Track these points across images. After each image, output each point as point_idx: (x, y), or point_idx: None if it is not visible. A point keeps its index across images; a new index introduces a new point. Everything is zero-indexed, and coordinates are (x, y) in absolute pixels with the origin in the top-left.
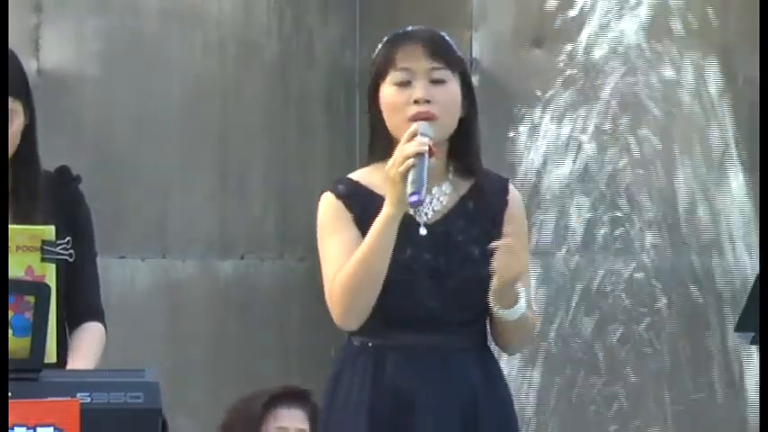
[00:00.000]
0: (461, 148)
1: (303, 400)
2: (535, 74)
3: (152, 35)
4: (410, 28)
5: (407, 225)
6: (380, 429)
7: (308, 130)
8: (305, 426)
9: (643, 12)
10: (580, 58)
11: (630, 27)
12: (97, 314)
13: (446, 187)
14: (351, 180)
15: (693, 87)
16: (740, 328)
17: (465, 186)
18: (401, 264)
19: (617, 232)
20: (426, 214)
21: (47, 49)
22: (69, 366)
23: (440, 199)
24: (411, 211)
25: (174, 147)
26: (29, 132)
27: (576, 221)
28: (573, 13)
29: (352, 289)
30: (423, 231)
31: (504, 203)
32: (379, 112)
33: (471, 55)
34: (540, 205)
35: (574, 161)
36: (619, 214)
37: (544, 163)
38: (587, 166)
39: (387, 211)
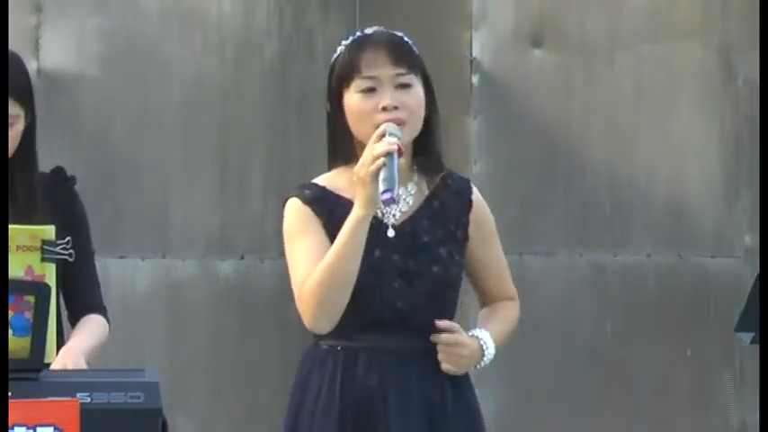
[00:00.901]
0: (425, 147)
1: None
2: (535, 74)
3: (152, 35)
4: (369, 31)
5: (375, 227)
6: (350, 431)
7: (308, 130)
8: None
9: (643, 12)
10: (580, 58)
11: (631, 27)
12: (98, 309)
13: (411, 188)
14: (316, 185)
15: (694, 87)
16: (740, 328)
17: (429, 186)
18: (370, 265)
19: (616, 229)
20: (394, 215)
21: (47, 49)
22: (69, 343)
23: (406, 200)
24: (379, 213)
25: (174, 147)
26: (28, 135)
27: (575, 217)
28: (572, 12)
29: (323, 292)
30: (390, 233)
31: (469, 203)
32: (343, 117)
33: (471, 55)
34: None
35: (573, 159)
36: (619, 212)
37: (543, 161)
38: (587, 164)
39: (357, 212)
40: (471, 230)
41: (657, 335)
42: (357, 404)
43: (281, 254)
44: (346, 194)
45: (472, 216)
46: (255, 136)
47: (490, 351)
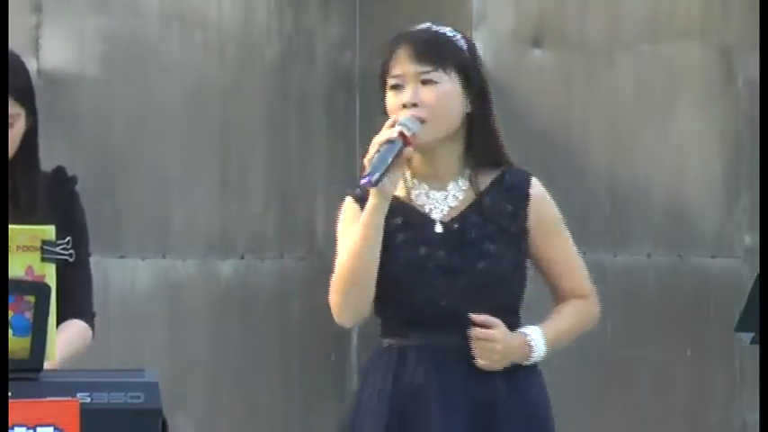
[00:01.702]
0: (475, 144)
1: None
2: (535, 74)
3: (152, 35)
4: (411, 29)
5: (422, 223)
6: (396, 429)
7: (308, 130)
8: None
9: (643, 12)
10: (580, 58)
11: (631, 27)
12: (83, 315)
13: (462, 183)
14: None
15: (694, 87)
16: (740, 328)
17: (485, 182)
18: (415, 263)
19: (616, 229)
20: (442, 211)
21: (47, 49)
22: None
23: (455, 195)
24: (427, 209)
25: (174, 147)
26: (30, 137)
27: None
28: (572, 12)
29: (341, 286)
30: (438, 229)
31: (525, 198)
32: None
33: None
34: None
35: (573, 159)
36: (619, 212)
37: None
38: (587, 164)
39: (370, 201)
40: (530, 226)
41: (657, 335)
42: (404, 403)
43: (281, 254)
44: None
45: (530, 211)
46: (255, 136)
47: (538, 348)
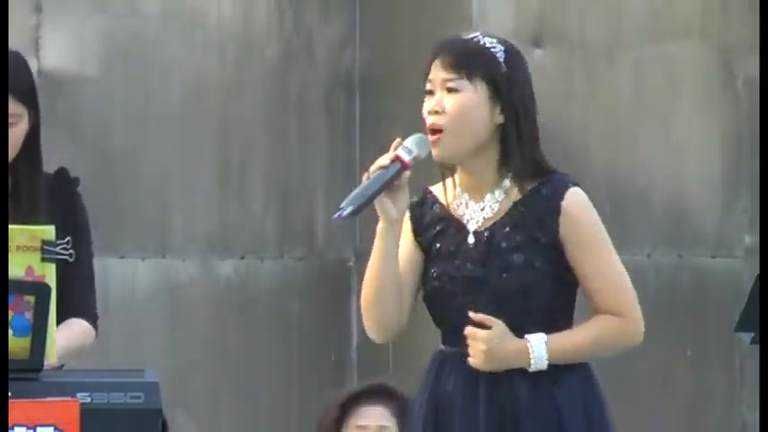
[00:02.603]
0: (509, 155)
1: (386, 396)
2: (535, 74)
3: (152, 35)
4: (454, 36)
5: (458, 234)
6: None
7: (308, 130)
8: (389, 423)
9: (643, 12)
10: (580, 58)
11: (631, 27)
12: (85, 314)
13: (499, 194)
14: (426, 188)
15: (694, 87)
16: (740, 328)
17: (523, 192)
18: (447, 272)
19: (616, 229)
20: (477, 222)
21: (47, 49)
22: None
23: (492, 206)
24: (464, 220)
25: (174, 147)
26: (32, 137)
27: None
28: (572, 12)
29: (364, 303)
30: (470, 240)
31: (557, 210)
32: None
33: None
34: None
35: (573, 159)
36: (619, 212)
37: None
38: (587, 164)
39: (380, 223)
40: (563, 237)
41: (657, 335)
42: (438, 409)
43: (281, 254)
44: (441, 199)
45: (562, 222)
46: (255, 136)
47: (538, 357)
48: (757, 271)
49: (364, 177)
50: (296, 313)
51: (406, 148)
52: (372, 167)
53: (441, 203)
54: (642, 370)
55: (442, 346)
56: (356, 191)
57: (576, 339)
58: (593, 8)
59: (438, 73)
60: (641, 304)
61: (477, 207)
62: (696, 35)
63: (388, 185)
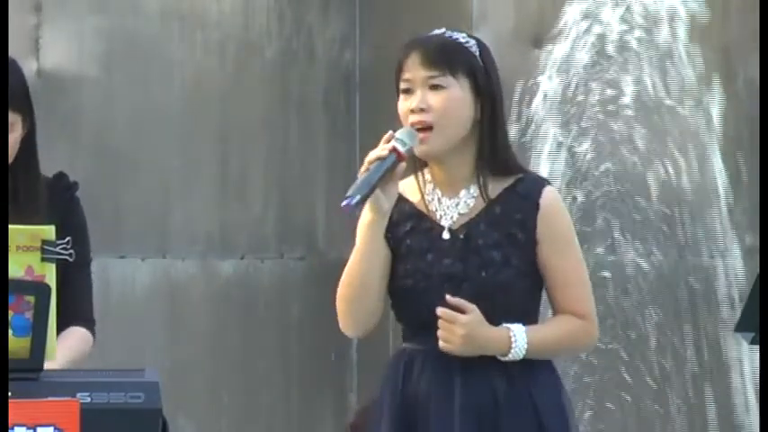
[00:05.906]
0: (485, 150)
1: None
2: (535, 74)
3: (152, 35)
4: (424, 33)
5: (431, 230)
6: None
7: (307, 130)
8: None
9: (643, 12)
10: (579, 58)
11: (630, 26)
12: (83, 321)
13: (474, 190)
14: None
15: (693, 87)
16: (740, 328)
17: (497, 189)
18: (421, 270)
19: (616, 229)
20: (452, 218)
21: (47, 49)
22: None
23: (466, 202)
24: (437, 216)
25: (174, 147)
26: (28, 143)
27: (575, 219)
28: (572, 12)
29: (341, 295)
30: (445, 236)
31: (535, 207)
32: None
33: None
34: None
35: (573, 160)
36: (617, 213)
37: (543, 162)
38: (586, 164)
39: (367, 215)
40: (539, 235)
41: (658, 334)
42: (409, 407)
43: (281, 254)
44: (409, 196)
45: (540, 220)
46: (255, 136)
47: (519, 345)
48: (757, 271)
49: (362, 168)
50: (296, 313)
51: (400, 140)
52: (369, 158)
53: (409, 201)
54: (642, 370)
55: (405, 344)
56: (359, 180)
57: (548, 335)
58: None
59: (417, 71)
60: (641, 304)
61: (450, 203)
62: (696, 35)
63: (388, 175)
